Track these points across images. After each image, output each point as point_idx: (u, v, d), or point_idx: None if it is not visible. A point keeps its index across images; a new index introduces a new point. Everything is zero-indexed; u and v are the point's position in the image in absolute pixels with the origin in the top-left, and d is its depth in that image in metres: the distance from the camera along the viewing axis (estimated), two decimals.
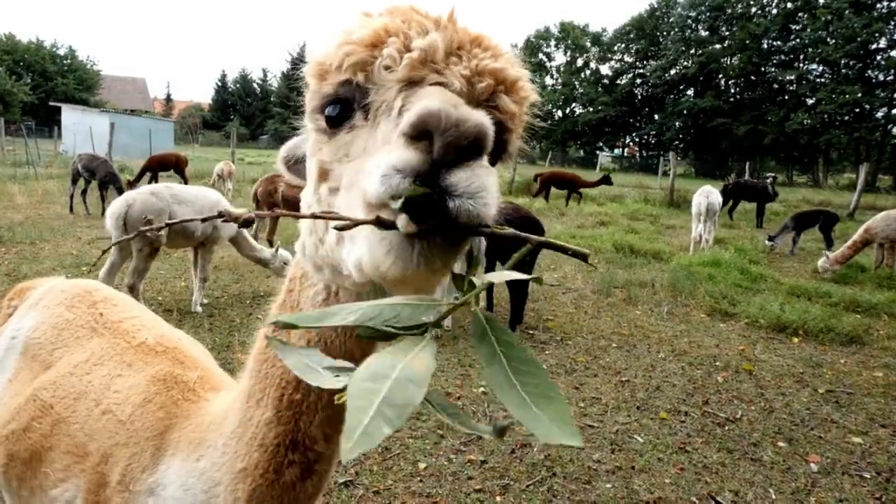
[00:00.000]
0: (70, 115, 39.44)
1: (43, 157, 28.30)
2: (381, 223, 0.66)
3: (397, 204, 0.65)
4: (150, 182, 18.72)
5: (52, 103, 46.79)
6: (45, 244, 10.34)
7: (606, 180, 21.59)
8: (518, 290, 6.83)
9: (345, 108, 0.88)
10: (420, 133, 0.67)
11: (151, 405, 1.45)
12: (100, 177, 14.00)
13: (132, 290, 6.47)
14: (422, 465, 3.92)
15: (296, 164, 1.12)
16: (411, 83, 0.81)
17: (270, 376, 1.16)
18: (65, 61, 64.87)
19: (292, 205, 10.82)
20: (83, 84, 64.19)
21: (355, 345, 1.04)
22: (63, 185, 19.25)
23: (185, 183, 19.94)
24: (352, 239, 0.77)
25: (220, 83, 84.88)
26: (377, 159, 0.70)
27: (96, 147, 26.26)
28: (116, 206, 6.52)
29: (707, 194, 13.18)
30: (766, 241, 13.45)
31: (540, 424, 0.56)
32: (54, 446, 1.53)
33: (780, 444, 4.49)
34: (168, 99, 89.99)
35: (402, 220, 0.65)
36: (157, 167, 19.17)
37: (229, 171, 19.02)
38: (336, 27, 0.92)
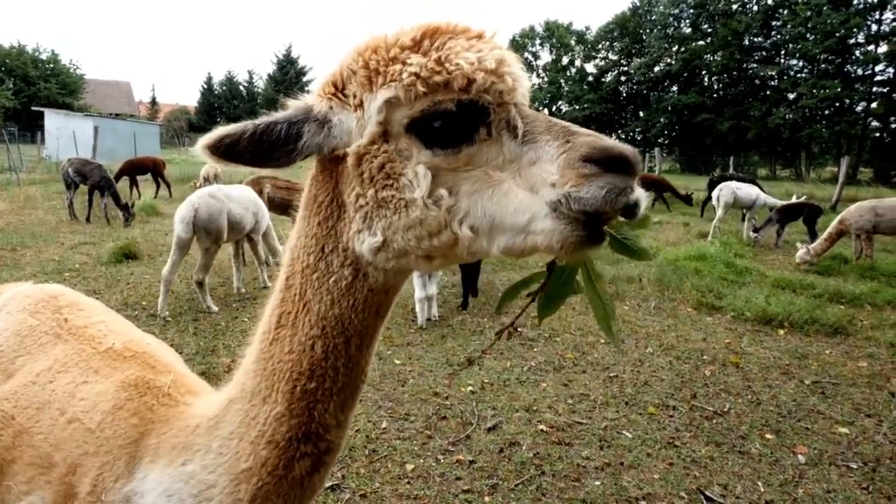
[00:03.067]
0: (53, 120, 38.73)
1: (26, 163, 27.84)
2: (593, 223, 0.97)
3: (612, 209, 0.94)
4: (130, 187, 18.46)
5: (34, 108, 45.85)
6: (27, 250, 10.17)
7: (688, 200, 19.96)
8: (468, 270, 7.64)
9: (457, 124, 1.02)
10: (609, 162, 0.93)
11: (123, 411, 1.41)
12: (93, 181, 13.76)
13: (200, 285, 7.11)
14: (409, 467, 3.89)
15: (230, 148, 1.08)
16: (516, 105, 1.05)
17: (279, 371, 1.18)
18: (47, 66, 63.72)
19: (278, 205, 10.73)
20: (66, 88, 63.05)
21: (370, 323, 1.20)
22: (46, 190, 18.96)
23: (168, 187, 19.70)
24: (514, 228, 0.99)
25: (205, 86, 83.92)
26: (551, 175, 0.96)
27: (80, 151, 25.88)
28: (184, 210, 6.99)
29: (721, 188, 14.03)
30: (751, 234, 13.57)
31: (607, 332, 1.22)
32: (17, 458, 1.47)
33: (768, 436, 4.51)
34: (153, 102, 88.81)
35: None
36: (133, 171, 18.83)
37: (216, 174, 18.82)
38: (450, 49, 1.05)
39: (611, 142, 0.96)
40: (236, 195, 7.68)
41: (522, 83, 1.06)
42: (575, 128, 1.00)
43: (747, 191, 14.38)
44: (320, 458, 1.21)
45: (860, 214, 10.70)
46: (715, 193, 14.61)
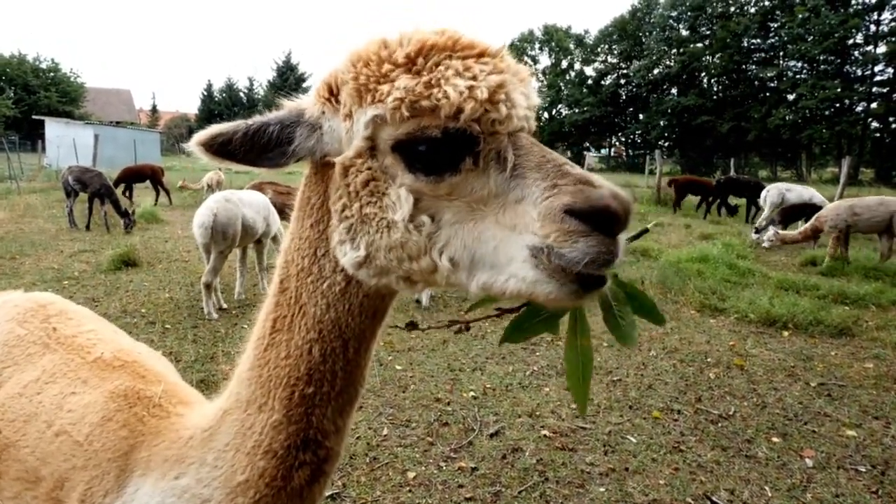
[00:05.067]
0: (54, 129, 38.82)
1: (26, 171, 27.90)
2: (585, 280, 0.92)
3: (590, 269, 0.89)
4: (124, 193, 18.44)
5: (35, 117, 46.02)
6: (26, 259, 10.13)
7: (732, 211, 19.68)
8: None
9: (443, 151, 0.97)
10: (595, 218, 0.89)
11: (112, 423, 1.37)
12: (93, 189, 13.78)
13: (208, 286, 7.15)
14: (411, 475, 3.83)
15: (223, 147, 1.10)
16: (511, 134, 0.99)
17: (276, 377, 1.16)
18: (48, 74, 64.02)
19: (279, 210, 10.70)
20: (67, 97, 63.35)
21: (367, 327, 1.17)
22: (46, 198, 18.97)
23: (167, 193, 19.66)
24: (494, 267, 0.96)
25: (206, 93, 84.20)
26: (531, 222, 0.92)
27: (80, 159, 25.90)
28: (203, 216, 7.10)
29: (769, 189, 14.51)
30: (753, 235, 13.55)
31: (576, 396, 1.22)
32: (3, 473, 1.44)
33: (775, 439, 4.45)
34: (154, 110, 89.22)
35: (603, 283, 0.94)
36: (131, 179, 18.84)
37: (218, 181, 18.82)
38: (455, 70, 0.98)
39: (597, 192, 0.90)
40: (249, 199, 7.79)
41: (520, 109, 0.99)
42: (569, 167, 0.95)
43: (799, 192, 14.60)
44: (320, 467, 1.19)
45: (837, 213, 10.87)
46: (763, 194, 15.25)
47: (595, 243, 0.88)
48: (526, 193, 0.94)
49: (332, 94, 1.10)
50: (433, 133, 0.96)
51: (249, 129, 1.09)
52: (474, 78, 0.95)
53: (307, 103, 1.14)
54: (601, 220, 0.89)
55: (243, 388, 1.20)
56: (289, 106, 1.14)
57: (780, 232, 11.29)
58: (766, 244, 11.25)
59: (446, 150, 0.97)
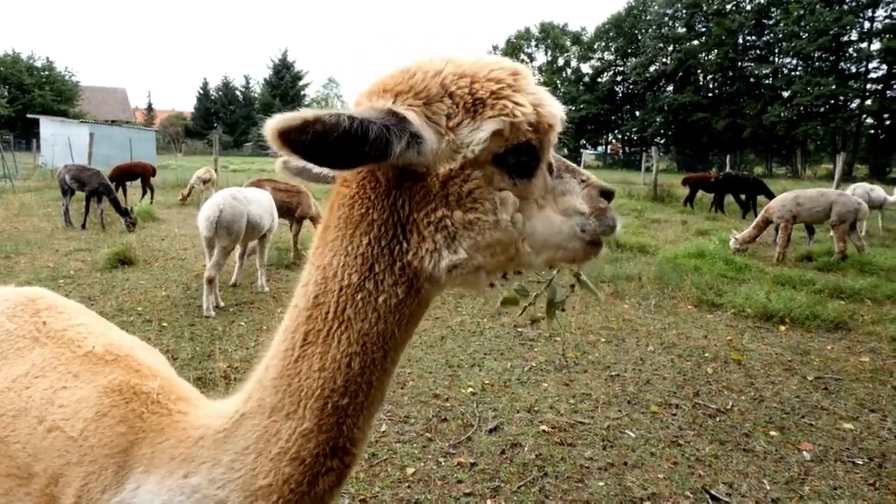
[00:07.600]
0: (48, 127, 38.53)
1: (21, 170, 27.73)
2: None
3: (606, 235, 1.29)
4: (118, 190, 18.33)
5: (29, 116, 45.73)
6: (21, 258, 10.07)
7: (747, 207, 19.03)
8: None
9: (532, 158, 1.16)
10: (609, 195, 1.28)
11: (108, 419, 1.35)
12: (91, 188, 13.67)
13: (210, 282, 7.17)
14: (409, 471, 3.82)
15: (321, 138, 0.93)
16: None
17: (307, 388, 1.16)
18: (42, 73, 63.68)
19: (277, 207, 10.66)
20: (62, 96, 63.04)
21: (409, 334, 1.25)
22: (41, 197, 18.87)
23: (152, 192, 19.49)
24: (553, 245, 1.25)
25: (202, 91, 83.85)
26: (581, 207, 1.25)
27: (76, 158, 25.76)
28: (209, 211, 7.17)
29: (854, 188, 14.43)
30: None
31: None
32: None
33: (772, 433, 4.46)
34: (149, 108, 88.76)
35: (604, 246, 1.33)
36: (123, 177, 18.74)
37: (211, 179, 18.70)
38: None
39: (599, 181, 1.30)
40: (255, 197, 7.82)
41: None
42: (577, 167, 1.31)
43: (879, 192, 14.75)
44: (343, 472, 1.21)
45: (782, 204, 11.27)
46: (848, 192, 15.29)
47: (612, 214, 1.27)
48: (569, 187, 1.25)
49: (425, 103, 1.08)
50: (534, 143, 1.14)
51: (354, 123, 0.94)
52: (555, 100, 1.17)
53: (399, 109, 1.05)
54: (609, 196, 1.28)
55: (268, 395, 1.18)
56: (373, 107, 1.05)
57: (738, 235, 11.62)
58: (732, 248, 11.48)
59: (535, 157, 1.16)
